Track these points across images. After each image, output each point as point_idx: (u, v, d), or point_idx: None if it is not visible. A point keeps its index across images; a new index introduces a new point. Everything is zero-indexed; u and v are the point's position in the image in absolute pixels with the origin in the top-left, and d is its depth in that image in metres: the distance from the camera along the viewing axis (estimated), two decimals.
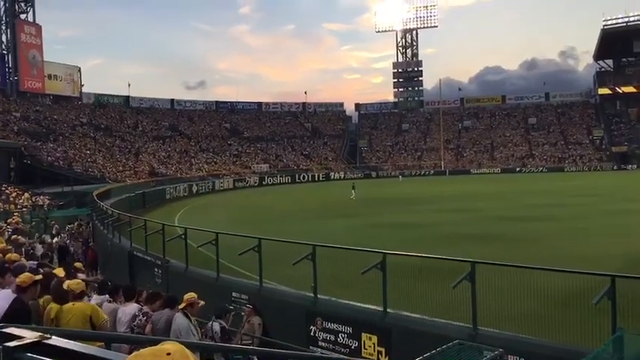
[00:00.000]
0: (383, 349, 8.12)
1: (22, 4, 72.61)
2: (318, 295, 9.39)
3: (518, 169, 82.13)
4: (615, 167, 78.56)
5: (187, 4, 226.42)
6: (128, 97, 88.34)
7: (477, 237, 19.05)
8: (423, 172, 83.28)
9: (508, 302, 7.68)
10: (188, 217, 29.51)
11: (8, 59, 70.81)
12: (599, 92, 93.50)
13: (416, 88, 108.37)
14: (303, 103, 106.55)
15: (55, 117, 70.03)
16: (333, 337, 8.82)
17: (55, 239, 20.05)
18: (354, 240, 16.27)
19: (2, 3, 71.50)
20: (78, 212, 31.05)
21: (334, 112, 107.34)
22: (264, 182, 68.41)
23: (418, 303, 8.42)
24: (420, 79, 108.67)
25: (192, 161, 73.59)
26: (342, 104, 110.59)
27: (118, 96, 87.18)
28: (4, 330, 1.49)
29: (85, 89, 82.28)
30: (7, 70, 70.92)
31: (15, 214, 24.07)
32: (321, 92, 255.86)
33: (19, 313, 4.94)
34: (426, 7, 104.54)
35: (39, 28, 73.28)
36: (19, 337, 1.42)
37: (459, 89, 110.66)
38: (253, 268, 10.92)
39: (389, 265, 8.29)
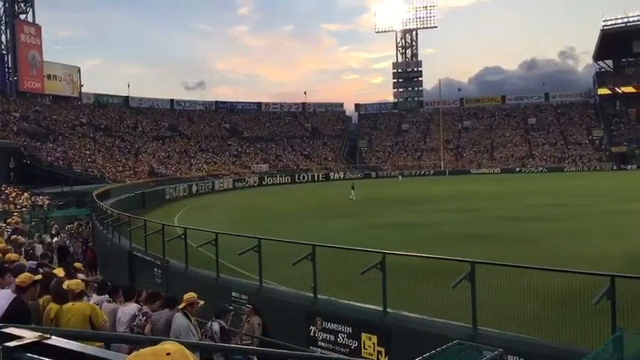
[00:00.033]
0: (383, 349, 8.12)
1: (22, 5, 72.58)
2: (318, 295, 9.39)
3: (517, 169, 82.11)
4: (615, 167, 78.52)
5: (187, 5, 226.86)
6: (128, 97, 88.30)
7: (477, 237, 19.05)
8: (422, 172, 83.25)
9: (508, 302, 7.66)
10: (188, 217, 29.51)
11: (8, 59, 70.80)
12: (599, 92, 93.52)
13: (415, 89, 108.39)
14: (303, 104, 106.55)
15: (55, 117, 70.00)
16: (332, 337, 8.81)
17: (55, 239, 20.04)
18: (353, 240, 16.24)
19: (2, 3, 71.46)
20: (77, 212, 31.03)
21: (334, 112, 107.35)
22: (263, 182, 68.41)
23: (418, 303, 8.41)
24: (420, 79, 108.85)
25: (192, 161, 73.55)
26: (341, 104, 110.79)
27: (117, 96, 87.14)
28: (3, 330, 1.49)
29: (84, 89, 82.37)
30: (6, 70, 70.93)
31: (14, 214, 24.05)
32: (320, 93, 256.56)
33: (18, 313, 4.94)
34: (426, 7, 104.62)
35: (38, 28, 73.23)
36: (19, 337, 1.42)
37: (459, 89, 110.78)
38: (253, 268, 10.92)
39: (389, 265, 8.29)
